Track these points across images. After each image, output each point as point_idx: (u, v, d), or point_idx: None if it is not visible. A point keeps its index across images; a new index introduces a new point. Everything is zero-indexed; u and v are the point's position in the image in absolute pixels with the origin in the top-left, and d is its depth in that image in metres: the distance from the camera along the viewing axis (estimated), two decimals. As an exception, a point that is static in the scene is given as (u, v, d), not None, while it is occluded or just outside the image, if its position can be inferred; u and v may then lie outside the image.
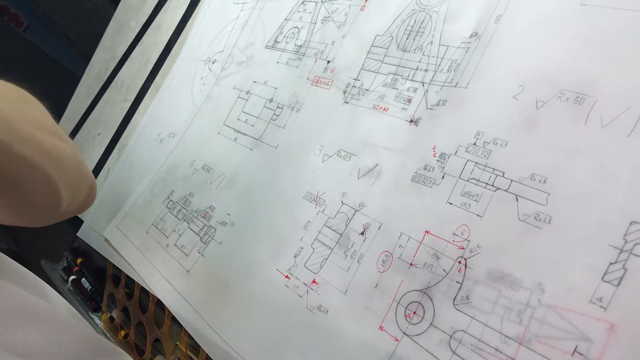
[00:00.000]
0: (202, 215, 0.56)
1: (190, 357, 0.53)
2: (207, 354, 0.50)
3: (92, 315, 0.69)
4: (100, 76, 0.92)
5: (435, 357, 0.36)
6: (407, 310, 0.38)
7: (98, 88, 0.90)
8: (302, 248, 0.46)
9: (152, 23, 0.86)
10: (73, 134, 0.89)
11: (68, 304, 0.51)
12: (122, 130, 0.78)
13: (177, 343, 0.55)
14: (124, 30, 0.94)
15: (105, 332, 0.66)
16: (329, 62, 0.54)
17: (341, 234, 0.45)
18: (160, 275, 0.56)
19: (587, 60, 0.36)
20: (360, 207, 0.44)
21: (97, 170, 0.78)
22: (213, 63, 0.69)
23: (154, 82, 0.77)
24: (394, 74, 0.48)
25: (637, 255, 0.30)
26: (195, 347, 0.53)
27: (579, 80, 0.36)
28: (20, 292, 0.42)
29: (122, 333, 0.64)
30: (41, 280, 0.48)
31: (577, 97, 0.36)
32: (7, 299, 0.40)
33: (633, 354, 0.29)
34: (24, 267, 0.46)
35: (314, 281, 0.44)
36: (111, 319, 0.67)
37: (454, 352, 0.35)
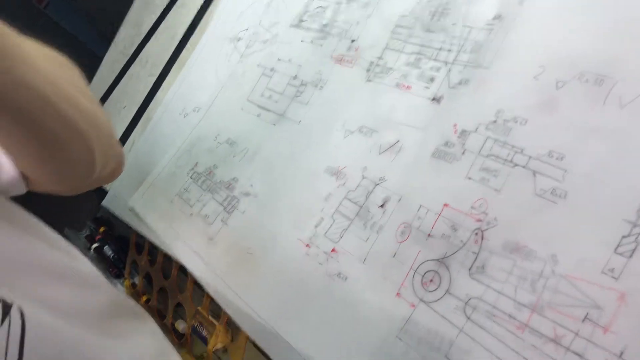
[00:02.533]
0: (226, 187, 0.58)
1: (212, 321, 0.55)
2: (227, 319, 0.52)
3: (115, 281, 0.72)
4: (125, 52, 0.94)
5: (450, 322, 0.37)
6: (424, 278, 0.40)
7: (123, 63, 0.92)
8: (322, 219, 0.48)
9: (177, 0, 0.88)
10: (98, 107, 0.91)
11: (92, 264, 0.53)
12: (147, 104, 0.80)
13: (199, 308, 0.57)
14: (149, 7, 0.96)
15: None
16: (353, 41, 0.55)
17: (361, 206, 0.46)
18: (184, 242, 0.58)
19: (608, 42, 0.38)
20: (381, 181, 0.46)
21: (122, 142, 0.80)
22: (238, 41, 0.70)
23: (179, 58, 0.79)
24: (418, 53, 0.49)
25: (649, 229, 0.32)
26: (216, 312, 0.55)
27: (600, 62, 0.37)
28: (49, 250, 0.44)
29: (144, 298, 0.67)
30: (66, 241, 0.50)
31: (597, 78, 0.37)
32: (37, 254, 0.42)
33: (641, 321, 0.30)
34: (47, 228, 0.48)
35: (333, 250, 0.46)
36: (133, 285, 0.70)
37: (469, 318, 0.37)
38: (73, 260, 0.47)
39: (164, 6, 0.90)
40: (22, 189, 0.43)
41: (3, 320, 0.33)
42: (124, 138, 0.80)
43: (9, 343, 0.33)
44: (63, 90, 0.37)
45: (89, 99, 0.42)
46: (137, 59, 0.89)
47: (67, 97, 0.37)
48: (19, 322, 0.34)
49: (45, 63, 0.36)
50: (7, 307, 0.34)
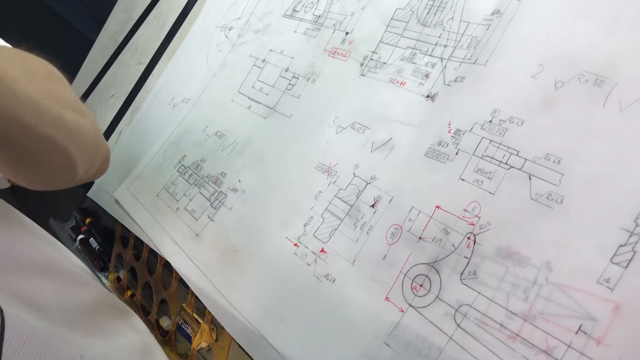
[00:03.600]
0: (213, 181, 0.57)
1: (196, 319, 0.54)
2: (212, 317, 0.51)
3: (99, 275, 0.70)
4: (115, 37, 0.92)
5: (439, 329, 0.36)
6: (413, 282, 0.39)
7: (113, 50, 0.90)
8: (312, 217, 0.47)
9: (169, -14, 0.86)
10: (86, 94, 0.89)
11: (77, 258, 0.52)
12: (135, 93, 0.78)
13: (183, 305, 0.56)
14: (141, -8, 0.94)
15: (111, 291, 0.67)
16: (347, 33, 0.54)
17: (352, 206, 0.45)
18: (169, 237, 0.56)
19: (609, 42, 0.36)
20: (372, 179, 0.45)
21: (109, 132, 0.78)
22: (230, 30, 0.68)
23: (169, 46, 0.77)
24: (413, 48, 0.47)
25: (647, 239, 0.31)
26: (200, 310, 0.54)
27: (600, 62, 0.36)
28: (34, 245, 0.43)
29: (129, 293, 0.65)
30: (51, 235, 0.49)
31: (597, 79, 0.36)
32: (22, 250, 0.41)
33: (636, 333, 0.29)
34: (33, 222, 0.47)
35: (322, 250, 0.45)
36: (118, 279, 0.68)
37: (459, 326, 0.35)
38: (59, 256, 0.46)
39: (155, -8, 0.88)
40: (5, 184, 0.43)
41: None
42: (111, 128, 0.78)
43: None
44: (45, 112, 0.36)
45: (74, 108, 0.42)
46: (127, 46, 0.87)
47: (50, 119, 0.37)
48: None
49: (28, 85, 0.36)
50: None
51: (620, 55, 0.35)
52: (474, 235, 0.37)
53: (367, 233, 0.43)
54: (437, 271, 0.38)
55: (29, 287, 0.40)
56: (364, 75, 0.50)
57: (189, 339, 0.55)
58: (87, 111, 0.45)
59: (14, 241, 0.40)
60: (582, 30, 0.38)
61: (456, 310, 0.36)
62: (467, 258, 0.37)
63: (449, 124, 0.42)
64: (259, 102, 0.58)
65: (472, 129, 0.40)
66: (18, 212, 0.45)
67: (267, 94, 0.58)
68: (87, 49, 1.04)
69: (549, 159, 0.36)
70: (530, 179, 0.36)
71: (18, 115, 0.34)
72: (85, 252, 0.73)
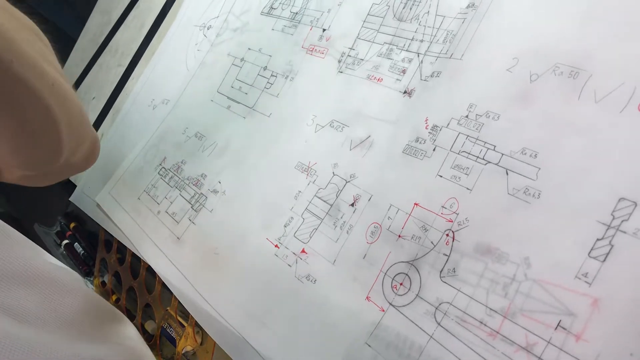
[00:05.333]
0: (194, 183, 0.56)
1: (180, 322, 0.53)
2: (196, 321, 0.50)
3: (85, 280, 0.69)
4: (95, 40, 0.91)
5: (420, 328, 0.36)
6: (393, 281, 0.38)
7: (93, 52, 0.89)
8: (292, 218, 0.46)
9: (147, -13, 0.85)
10: (67, 98, 0.88)
11: (62, 264, 0.51)
12: (116, 95, 0.77)
13: (168, 308, 0.55)
14: (119, -7, 0.93)
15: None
16: (324, 30, 0.53)
17: (331, 205, 0.44)
18: (151, 241, 0.56)
19: (583, 34, 0.36)
20: (352, 178, 0.44)
21: (90, 136, 0.77)
22: (208, 29, 0.67)
23: (149, 47, 0.76)
24: (390, 43, 0.47)
25: (624, 232, 0.30)
26: (185, 313, 0.53)
27: (575, 54, 0.36)
28: (11, 252, 0.42)
29: (114, 297, 0.65)
30: (33, 242, 0.48)
31: (572, 71, 0.35)
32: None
33: (615, 328, 0.29)
34: (13, 229, 0.46)
35: (303, 251, 0.44)
36: (103, 283, 0.68)
37: (439, 324, 0.35)
38: (39, 263, 0.44)
39: (134, -8, 0.87)
40: None
41: None
42: (93, 131, 0.77)
43: None
44: (24, 54, 0.34)
45: (59, 72, 0.39)
46: (107, 48, 0.86)
47: (28, 62, 0.34)
48: None
49: (8, 24, 0.33)
50: None
51: (595, 47, 0.35)
52: (453, 232, 0.37)
53: (347, 232, 0.42)
54: (417, 269, 0.38)
55: (9, 297, 0.39)
56: (341, 72, 0.50)
57: (174, 342, 0.54)
58: (67, 78, 0.42)
59: None
60: (556, 22, 0.37)
61: (436, 308, 0.36)
62: (446, 255, 0.37)
63: (426, 120, 0.41)
64: (238, 102, 0.58)
65: (448, 124, 0.40)
66: None
67: (246, 93, 0.57)
68: (71, 48, 1.02)
69: (525, 153, 0.35)
70: (507, 173, 0.36)
71: (27, 77, 0.33)
72: (70, 257, 0.72)
